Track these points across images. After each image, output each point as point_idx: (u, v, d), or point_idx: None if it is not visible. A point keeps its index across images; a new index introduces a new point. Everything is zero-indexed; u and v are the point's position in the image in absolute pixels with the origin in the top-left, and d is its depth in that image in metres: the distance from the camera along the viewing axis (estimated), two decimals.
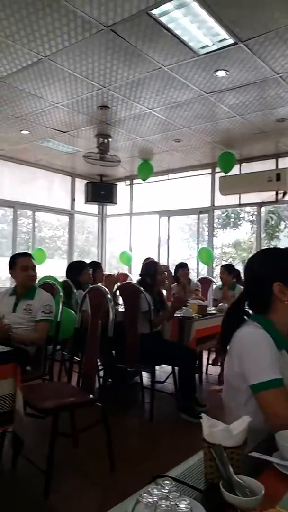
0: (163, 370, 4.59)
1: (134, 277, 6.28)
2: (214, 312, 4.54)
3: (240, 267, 6.78)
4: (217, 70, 3.69)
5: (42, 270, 5.77)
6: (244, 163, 6.56)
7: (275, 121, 4.89)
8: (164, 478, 0.92)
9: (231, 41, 3.22)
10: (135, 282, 4.13)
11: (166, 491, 0.85)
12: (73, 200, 8.02)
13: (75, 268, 4.49)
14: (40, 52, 3.42)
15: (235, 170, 6.29)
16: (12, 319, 3.05)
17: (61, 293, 3.39)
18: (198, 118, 4.90)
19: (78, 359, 3.11)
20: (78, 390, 2.79)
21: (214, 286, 5.94)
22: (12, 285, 3.37)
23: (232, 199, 6.73)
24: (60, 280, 4.37)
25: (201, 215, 7.27)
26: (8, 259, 3.28)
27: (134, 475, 2.57)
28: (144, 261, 5.20)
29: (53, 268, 6.82)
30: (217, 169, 6.65)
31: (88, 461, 2.81)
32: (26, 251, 4.48)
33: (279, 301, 1.42)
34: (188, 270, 5.62)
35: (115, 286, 4.45)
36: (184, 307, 4.08)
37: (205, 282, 6.16)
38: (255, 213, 6.86)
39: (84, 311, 3.06)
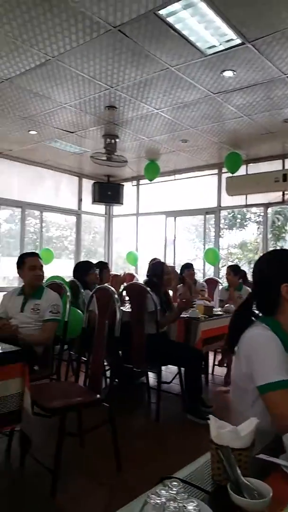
0: (169, 370, 4.58)
1: (141, 278, 6.28)
2: (220, 313, 4.53)
3: (246, 268, 6.76)
4: (224, 71, 3.69)
5: (50, 270, 5.80)
6: (250, 164, 6.54)
7: (282, 121, 4.87)
8: (171, 480, 0.92)
9: (238, 41, 3.22)
10: (142, 282, 4.14)
11: (174, 492, 0.86)
12: (80, 200, 8.04)
13: (82, 268, 4.51)
14: (48, 53, 3.44)
15: (241, 171, 6.27)
16: (20, 318, 3.07)
17: (68, 293, 3.41)
18: (205, 119, 4.89)
19: (85, 359, 3.12)
20: (85, 390, 2.80)
21: (220, 287, 5.92)
22: (20, 284, 3.39)
23: (239, 200, 6.71)
24: (67, 280, 4.38)
25: (207, 216, 7.26)
26: (16, 259, 3.30)
27: (140, 476, 2.58)
28: (150, 262, 5.21)
29: (60, 268, 6.85)
30: (224, 170, 6.64)
31: (94, 461, 2.81)
32: (33, 251, 4.51)
33: (287, 302, 1.41)
34: (194, 270, 5.61)
35: (122, 286, 4.46)
36: (190, 308, 4.08)
37: (211, 283, 6.15)
38: (262, 213, 6.84)
39: (91, 311, 3.07)
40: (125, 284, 4.72)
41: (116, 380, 4.34)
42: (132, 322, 3.78)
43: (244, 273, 5.43)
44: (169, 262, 7.19)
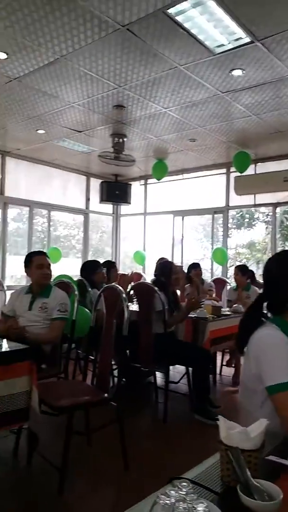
0: (177, 370, 4.58)
1: (148, 277, 6.28)
2: (228, 313, 4.51)
3: (254, 268, 6.74)
4: (233, 69, 3.67)
5: (57, 269, 5.82)
6: (259, 163, 6.50)
7: None
8: (181, 480, 0.91)
9: (247, 39, 3.20)
10: (149, 281, 4.13)
11: (184, 493, 0.85)
12: (87, 199, 8.05)
13: (89, 268, 4.51)
14: (57, 52, 3.44)
15: (250, 170, 6.24)
16: (28, 317, 3.08)
17: (76, 292, 3.41)
18: (213, 118, 4.87)
19: (93, 357, 3.12)
20: (93, 389, 2.80)
21: (228, 287, 5.89)
22: (28, 283, 3.41)
23: (247, 199, 6.68)
24: (75, 279, 4.39)
25: (215, 215, 7.23)
26: (23, 258, 3.31)
27: (148, 475, 2.58)
28: (158, 261, 5.20)
29: (67, 267, 6.87)
30: (232, 169, 6.61)
31: (102, 460, 2.82)
32: (41, 249, 4.52)
33: None
34: (201, 270, 5.59)
35: (129, 286, 4.46)
36: (198, 308, 4.06)
37: (219, 282, 6.12)
38: (270, 213, 6.80)
39: (98, 310, 3.07)
40: (132, 283, 4.71)
41: (124, 379, 4.34)
42: (140, 322, 3.77)
43: (252, 273, 5.41)
44: (176, 261, 7.17)
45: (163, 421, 3.56)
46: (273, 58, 3.44)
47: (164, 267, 4.03)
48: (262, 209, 7.32)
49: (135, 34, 3.14)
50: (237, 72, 3.71)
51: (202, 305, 4.13)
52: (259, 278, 5.88)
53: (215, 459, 1.11)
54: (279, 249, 6.59)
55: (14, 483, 2.58)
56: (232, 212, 7.36)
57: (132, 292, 4.23)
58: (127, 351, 3.92)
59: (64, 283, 3.55)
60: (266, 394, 1.33)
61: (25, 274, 3.36)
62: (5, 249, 6.65)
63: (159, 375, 4.43)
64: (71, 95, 4.35)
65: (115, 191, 7.65)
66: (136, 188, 8.06)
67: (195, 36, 3.15)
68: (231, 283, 5.90)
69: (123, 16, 2.92)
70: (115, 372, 3.80)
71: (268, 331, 1.40)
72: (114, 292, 2.87)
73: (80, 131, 5.53)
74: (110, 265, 5.03)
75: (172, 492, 0.86)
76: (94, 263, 4.67)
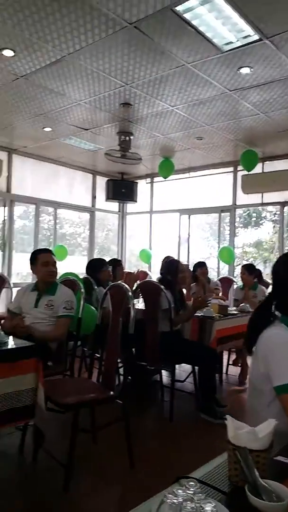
0: (183, 369, 4.57)
1: (154, 275, 6.27)
2: (235, 312, 4.49)
3: (261, 267, 6.70)
4: (241, 67, 3.64)
5: (63, 267, 5.83)
6: (267, 162, 6.46)
7: None
8: (188, 479, 0.91)
9: (256, 37, 3.17)
10: (155, 280, 4.12)
11: (191, 492, 0.85)
12: (94, 197, 8.06)
13: (95, 266, 4.51)
14: (64, 50, 3.44)
15: (257, 169, 6.20)
16: (34, 314, 3.08)
17: (82, 290, 3.42)
18: (220, 116, 4.85)
19: (98, 355, 3.12)
20: (98, 387, 2.80)
21: (235, 286, 5.87)
22: (34, 280, 3.41)
23: (255, 198, 6.65)
24: (81, 277, 4.39)
25: (222, 214, 7.20)
26: (30, 255, 3.32)
27: (153, 474, 2.58)
28: (163, 260, 5.19)
29: (73, 264, 6.88)
30: (239, 167, 6.58)
31: (107, 458, 2.82)
32: (47, 247, 4.53)
33: None
34: (207, 269, 5.56)
35: (135, 284, 4.45)
36: (205, 307, 4.05)
37: (226, 282, 6.10)
38: (278, 212, 6.76)
39: (104, 308, 3.07)
40: (138, 281, 4.71)
41: (129, 377, 4.34)
42: (146, 320, 3.77)
43: (259, 272, 5.38)
44: (182, 260, 7.15)
45: (169, 419, 3.56)
46: (281, 56, 3.42)
47: (171, 266, 4.02)
48: (270, 208, 7.29)
49: (142, 31, 3.12)
50: (245, 70, 3.68)
51: (209, 304, 4.11)
52: (266, 277, 5.85)
53: (223, 459, 1.10)
54: (286, 248, 6.56)
55: (19, 479, 2.59)
56: (239, 211, 7.33)
57: (138, 290, 4.23)
58: (133, 349, 3.92)
59: (70, 281, 3.56)
60: (274, 394, 1.33)
61: (31, 271, 3.37)
62: (12, 246, 6.68)
63: (165, 374, 4.43)
64: (78, 93, 4.35)
65: (121, 189, 7.65)
66: (142, 186, 8.05)
67: (203, 33, 3.13)
68: (238, 282, 5.88)
69: (130, 14, 2.91)
70: (121, 370, 3.81)
71: (277, 330, 1.39)
72: (120, 290, 2.86)
73: (87, 129, 5.53)
74: (116, 263, 5.03)
75: (179, 491, 0.85)
76: (100, 261, 4.67)
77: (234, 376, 4.95)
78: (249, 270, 5.12)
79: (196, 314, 3.90)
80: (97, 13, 2.90)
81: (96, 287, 4.17)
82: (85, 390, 2.70)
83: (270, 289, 5.10)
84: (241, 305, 4.78)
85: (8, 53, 3.51)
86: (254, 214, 8.03)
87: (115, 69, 3.75)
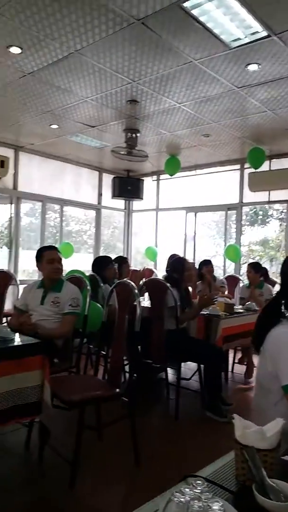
0: (188, 367, 4.56)
1: (160, 273, 6.27)
2: (241, 310, 4.48)
3: (267, 265, 6.66)
4: (249, 64, 3.61)
5: (69, 264, 5.84)
6: (274, 159, 6.42)
7: None
8: (196, 478, 0.90)
9: (264, 33, 3.14)
10: (161, 278, 4.11)
11: (199, 491, 0.84)
12: (100, 195, 8.05)
13: (101, 263, 4.52)
14: (71, 47, 3.43)
15: (265, 166, 6.16)
16: (40, 311, 3.10)
17: (88, 287, 3.42)
18: (228, 113, 4.82)
19: (104, 352, 3.13)
20: (104, 384, 2.81)
21: (241, 284, 5.85)
22: (40, 277, 3.42)
23: (261, 196, 6.61)
24: (87, 274, 4.40)
25: (228, 212, 7.17)
26: (35, 252, 3.33)
27: (159, 472, 2.58)
28: (169, 258, 5.19)
29: (79, 262, 6.89)
30: (246, 165, 6.54)
31: (112, 455, 2.82)
32: (53, 244, 4.53)
33: None
34: (212, 267, 5.54)
35: (141, 282, 4.45)
36: (211, 305, 4.04)
37: (232, 280, 6.07)
38: (285, 210, 6.73)
39: (110, 305, 3.07)
40: (144, 279, 4.71)
41: (135, 375, 4.35)
42: (151, 318, 3.76)
43: (265, 270, 5.36)
44: (188, 258, 7.13)
45: (175, 417, 3.56)
46: None
47: (177, 263, 4.01)
48: (276, 206, 7.25)
49: (150, 28, 3.11)
50: (253, 67, 3.65)
51: (215, 302, 4.10)
52: (272, 276, 5.83)
53: (230, 458, 1.10)
54: None
55: (25, 475, 2.61)
56: (245, 209, 7.29)
57: (143, 288, 4.22)
58: (139, 347, 3.93)
59: (76, 278, 3.56)
60: (282, 393, 1.32)
61: (37, 269, 3.37)
62: (18, 243, 6.70)
63: (170, 372, 4.43)
64: (85, 90, 4.35)
65: (127, 187, 7.64)
66: (148, 183, 8.03)
67: (211, 30, 3.10)
68: (244, 280, 5.85)
69: (138, 10, 2.89)
70: (126, 368, 3.81)
71: (285, 329, 1.38)
72: (126, 288, 2.87)
73: (93, 126, 5.52)
74: (122, 261, 5.03)
75: (186, 490, 0.85)
76: (106, 258, 4.67)
77: (240, 375, 4.94)
78: (255, 268, 5.10)
79: (202, 312, 3.89)
80: (104, 9, 2.88)
81: (102, 284, 4.18)
82: (91, 387, 2.71)
83: (276, 287, 5.10)
84: (247, 303, 4.76)
85: (15, 50, 3.51)
86: (260, 212, 7.99)
87: (122, 66, 3.74)
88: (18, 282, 4.93)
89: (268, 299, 4.77)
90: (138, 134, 5.58)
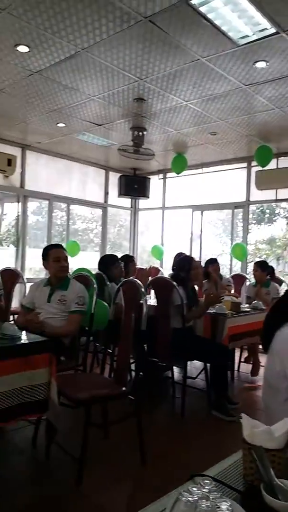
0: (194, 365, 4.56)
1: (166, 272, 6.26)
2: (247, 309, 4.46)
3: (274, 264, 6.64)
4: (256, 61, 3.59)
5: (75, 263, 5.85)
6: (281, 157, 6.37)
7: None
8: (203, 477, 0.90)
9: (272, 30, 3.12)
10: (167, 276, 4.11)
11: (207, 490, 0.84)
12: (106, 193, 8.05)
13: (107, 262, 4.52)
14: (78, 45, 3.43)
15: (272, 164, 6.13)
16: (47, 309, 3.11)
17: (95, 286, 3.42)
18: (235, 111, 4.79)
19: (111, 351, 3.13)
20: (111, 382, 2.81)
21: (248, 283, 5.83)
22: (46, 275, 3.43)
23: (268, 194, 6.57)
24: (93, 272, 4.40)
25: (235, 210, 7.14)
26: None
27: (165, 470, 2.58)
28: (176, 256, 5.17)
29: (85, 260, 6.90)
30: (253, 163, 6.51)
31: (119, 453, 2.83)
32: (60, 243, 4.55)
33: None
34: (218, 266, 5.52)
35: (148, 280, 4.45)
36: (217, 304, 4.02)
37: (238, 279, 6.05)
38: None
39: (117, 304, 3.07)
40: (150, 278, 4.70)
41: (141, 373, 4.35)
42: (158, 316, 3.76)
43: (272, 269, 5.33)
44: (194, 256, 7.11)
45: (181, 416, 3.55)
46: None
47: (184, 262, 4.00)
48: (283, 204, 7.20)
49: (157, 25, 3.09)
50: (260, 64, 3.63)
51: (222, 300, 4.08)
52: (279, 275, 5.80)
53: (237, 457, 1.09)
54: None
55: (32, 472, 2.62)
56: (252, 207, 7.25)
57: (149, 286, 4.22)
58: (145, 346, 3.93)
59: (83, 277, 3.57)
60: None
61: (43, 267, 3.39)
62: (25, 242, 6.73)
63: (176, 370, 4.43)
64: (92, 88, 4.34)
65: (134, 185, 7.63)
66: (154, 182, 8.02)
67: (219, 27, 3.08)
68: (250, 279, 5.83)
69: (145, 7, 2.88)
70: (133, 366, 3.81)
71: None
72: (133, 286, 2.86)
73: (100, 125, 5.52)
74: (128, 259, 5.03)
75: (194, 489, 0.85)
76: (112, 257, 4.67)
77: (246, 374, 4.92)
78: (262, 267, 5.08)
79: (208, 311, 3.88)
80: (111, 7, 2.88)
81: (108, 283, 4.18)
82: (98, 385, 2.71)
83: (283, 286, 5.05)
84: (253, 302, 4.74)
85: (22, 49, 3.51)
86: (267, 211, 7.96)
87: (129, 64, 3.73)
88: (25, 280, 4.95)
89: (274, 298, 4.78)
90: (144, 132, 5.57)
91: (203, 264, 5.52)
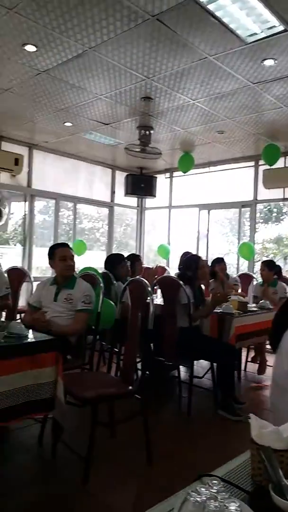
0: (200, 365, 4.55)
1: (172, 271, 6.25)
2: (255, 309, 4.44)
3: (281, 263, 6.60)
4: (265, 59, 3.57)
5: (82, 261, 5.86)
6: None
7: None
8: (211, 478, 0.89)
9: (281, 28, 3.09)
10: (174, 275, 4.10)
11: (215, 491, 0.83)
12: (113, 192, 8.06)
13: (113, 261, 4.52)
14: (85, 44, 3.43)
15: (280, 163, 6.09)
16: (54, 308, 3.12)
17: (101, 284, 3.42)
18: (243, 109, 4.77)
19: (117, 350, 3.13)
20: (117, 381, 2.81)
21: (255, 282, 5.80)
22: (53, 274, 3.44)
23: (276, 193, 6.53)
24: (100, 271, 4.41)
25: (242, 209, 7.11)
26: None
27: (172, 470, 2.58)
28: (182, 255, 5.16)
29: (92, 259, 6.91)
30: (261, 162, 6.47)
31: (125, 452, 2.83)
32: (66, 242, 4.56)
33: None
34: (225, 265, 5.49)
35: (154, 279, 4.44)
36: (224, 303, 4.01)
37: (245, 278, 6.02)
38: None
39: (123, 302, 3.07)
40: (156, 277, 4.70)
41: (148, 372, 4.35)
42: (164, 315, 3.76)
43: (279, 268, 5.30)
44: (201, 256, 7.09)
45: (187, 415, 3.55)
46: None
47: (191, 261, 3.99)
48: None
49: (165, 24, 3.08)
50: (269, 62, 3.61)
51: (229, 299, 4.07)
52: (286, 274, 5.76)
53: (245, 457, 1.09)
54: None
55: (38, 471, 2.63)
56: (259, 206, 7.21)
57: (156, 285, 4.22)
58: (152, 345, 3.92)
59: (89, 276, 3.57)
60: None
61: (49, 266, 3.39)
62: (32, 241, 6.75)
63: (183, 369, 4.42)
64: (99, 87, 4.34)
65: (140, 184, 7.62)
66: (161, 181, 8.01)
67: (227, 25, 3.07)
68: (257, 278, 5.80)
69: (153, 6, 2.87)
70: (139, 365, 3.81)
71: None
72: (139, 285, 2.86)
73: (107, 124, 5.52)
74: (135, 258, 5.03)
75: (202, 489, 0.84)
76: (118, 256, 4.68)
77: (253, 373, 4.90)
78: (269, 266, 5.06)
79: (215, 310, 3.86)
80: (119, 6, 2.87)
81: (114, 282, 4.18)
82: (104, 384, 2.71)
83: None
84: (260, 301, 4.72)
85: (30, 48, 3.52)
86: (275, 210, 7.91)
87: (136, 62, 3.72)
88: (32, 279, 4.97)
89: (282, 297, 4.76)
90: (151, 131, 5.56)
91: (209, 263, 5.50)
